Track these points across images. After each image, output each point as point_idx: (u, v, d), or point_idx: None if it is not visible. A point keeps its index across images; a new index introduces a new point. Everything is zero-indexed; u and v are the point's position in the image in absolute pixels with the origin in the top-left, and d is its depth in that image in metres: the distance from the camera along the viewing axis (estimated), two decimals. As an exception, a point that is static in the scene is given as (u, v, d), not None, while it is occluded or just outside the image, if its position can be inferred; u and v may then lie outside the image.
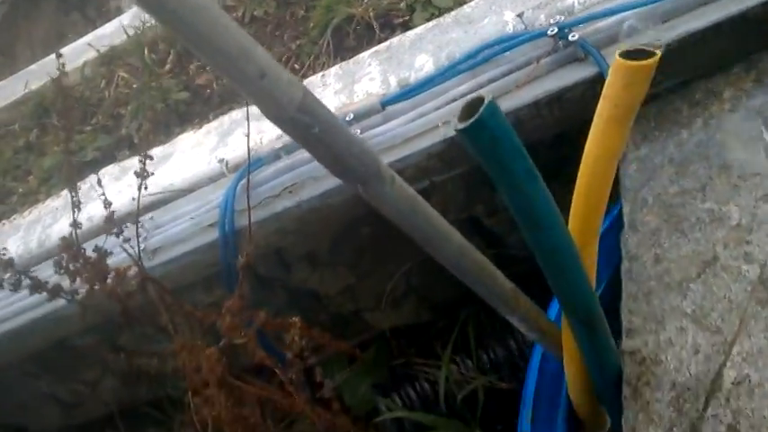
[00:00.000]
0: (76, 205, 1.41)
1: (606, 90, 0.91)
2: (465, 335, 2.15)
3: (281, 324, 1.39)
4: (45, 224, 2.29)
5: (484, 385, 2.04)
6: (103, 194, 1.43)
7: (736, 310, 1.12)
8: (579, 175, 1.00)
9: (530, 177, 0.89)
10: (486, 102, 0.83)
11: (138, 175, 1.40)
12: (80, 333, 2.19)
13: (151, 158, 1.43)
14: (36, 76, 3.02)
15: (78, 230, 1.81)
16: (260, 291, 2.07)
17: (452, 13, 1.79)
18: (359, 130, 1.64)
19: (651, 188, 1.32)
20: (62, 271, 1.31)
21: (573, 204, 1.03)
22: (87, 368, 2.48)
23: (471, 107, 0.85)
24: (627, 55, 0.88)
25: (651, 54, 0.86)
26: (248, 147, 1.47)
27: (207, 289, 2.03)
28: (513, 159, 0.87)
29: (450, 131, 1.52)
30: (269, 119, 0.82)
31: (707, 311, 1.14)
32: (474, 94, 0.85)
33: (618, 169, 1.40)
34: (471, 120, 0.83)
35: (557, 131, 1.55)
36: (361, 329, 2.37)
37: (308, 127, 0.82)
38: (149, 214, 1.91)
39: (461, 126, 0.84)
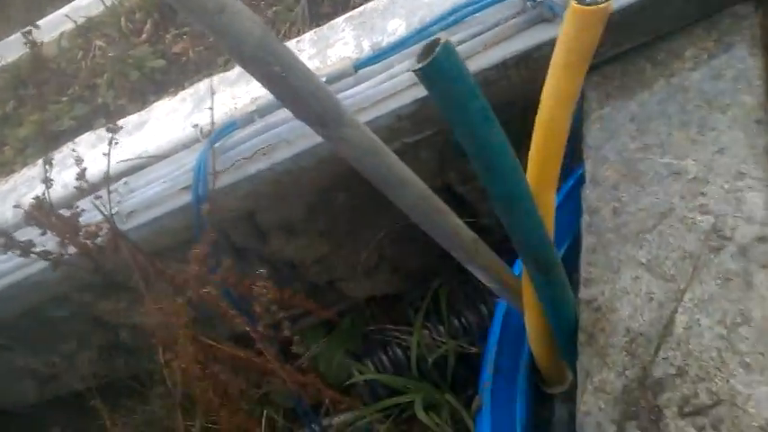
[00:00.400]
0: (48, 162, 1.42)
1: (560, 36, 0.94)
2: (437, 302, 2.18)
3: (246, 278, 1.41)
4: (20, 193, 2.29)
5: (455, 350, 2.07)
6: (74, 150, 1.43)
7: (689, 259, 1.15)
8: (536, 122, 1.02)
9: (485, 119, 0.91)
10: (442, 42, 0.85)
11: (108, 130, 1.41)
12: (55, 302, 2.19)
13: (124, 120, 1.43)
14: (12, 48, 3.00)
15: (54, 196, 1.82)
16: (236, 262, 2.08)
17: (426, -22, 1.80)
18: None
19: (613, 145, 1.35)
20: (33, 222, 1.31)
21: (530, 152, 1.06)
22: (64, 341, 2.48)
23: (429, 49, 0.87)
24: (581, 1, 0.90)
25: (603, 0, 0.89)
26: (212, 106, 1.47)
27: (183, 256, 2.05)
28: (469, 99, 0.89)
29: (419, 93, 1.54)
30: (230, 56, 0.83)
31: (661, 261, 1.17)
32: (432, 38, 0.87)
33: (582, 129, 1.43)
34: (428, 60, 0.86)
35: (525, 94, 1.57)
36: (337, 299, 2.39)
37: (268, 64, 0.84)
38: (124, 179, 1.92)
39: (418, 66, 0.87)
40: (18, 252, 1.40)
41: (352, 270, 2.26)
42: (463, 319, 2.12)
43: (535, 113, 1.09)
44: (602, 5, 0.89)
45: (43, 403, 2.70)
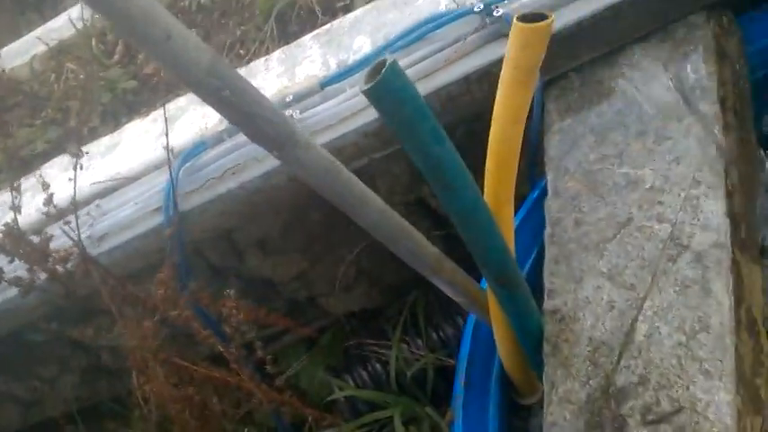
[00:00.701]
0: (16, 188, 1.42)
1: (507, 53, 0.96)
2: (414, 316, 2.19)
3: (220, 297, 1.42)
4: (-7, 218, 2.29)
5: (433, 363, 2.08)
6: (41, 176, 1.44)
7: (648, 267, 1.17)
8: (489, 139, 1.04)
9: (436, 138, 0.93)
10: (388, 63, 0.87)
11: (72, 154, 1.41)
12: (33, 327, 2.18)
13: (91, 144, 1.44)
14: (-16, 71, 3.00)
15: (27, 221, 1.82)
16: (213, 281, 2.08)
17: (390, -5, 1.83)
18: (298, 111, 1.67)
19: (573, 156, 1.37)
20: (2, 250, 1.32)
21: (486, 169, 1.07)
22: (44, 365, 2.47)
23: (376, 69, 0.89)
24: (524, 18, 0.92)
25: (546, 17, 0.91)
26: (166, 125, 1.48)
27: (154, 274, 2.05)
28: (419, 120, 0.91)
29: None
30: (181, 81, 0.84)
31: (621, 269, 1.19)
32: (379, 58, 0.89)
33: (543, 140, 1.45)
34: (375, 80, 0.87)
35: (489, 105, 1.59)
36: (317, 315, 2.40)
37: (218, 89, 0.85)
38: (96, 202, 1.92)
39: (366, 86, 0.88)
40: (-13, 280, 1.40)
41: (330, 285, 2.26)
42: (441, 332, 2.13)
43: None
44: (544, 23, 0.91)
45: (27, 429, 2.68)
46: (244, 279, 2.19)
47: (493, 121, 1.03)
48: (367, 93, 0.88)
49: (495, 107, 1.01)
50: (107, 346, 2.41)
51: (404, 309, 2.23)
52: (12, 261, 1.33)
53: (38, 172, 2.25)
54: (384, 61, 0.88)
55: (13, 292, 1.93)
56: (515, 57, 0.94)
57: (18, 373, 2.49)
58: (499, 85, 0.99)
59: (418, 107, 0.90)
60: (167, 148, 1.67)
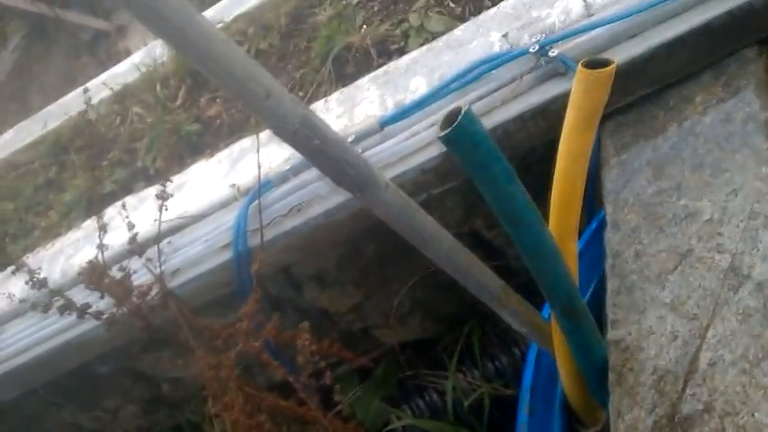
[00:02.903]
0: (102, 228, 1.53)
1: (571, 97, 1.02)
2: (470, 346, 2.23)
3: (291, 334, 1.49)
4: (67, 255, 2.41)
5: (489, 392, 2.11)
6: (127, 217, 1.54)
7: (710, 297, 1.21)
8: (554, 177, 1.10)
9: (507, 177, 0.99)
10: (463, 110, 0.94)
11: (158, 197, 1.52)
12: (102, 359, 2.28)
13: (171, 181, 1.54)
14: (53, 116, 3.17)
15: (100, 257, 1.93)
16: (272, 311, 2.17)
17: (444, 37, 1.91)
18: (360, 150, 1.76)
19: (631, 189, 1.42)
20: (92, 287, 1.41)
21: (551, 204, 1.13)
22: (108, 396, 2.57)
23: (451, 116, 0.96)
24: (588, 65, 0.98)
25: (609, 63, 0.97)
26: (259, 168, 1.58)
27: (221, 311, 2.13)
28: (491, 161, 0.97)
29: (442, 147, 1.62)
30: (275, 133, 0.93)
31: (683, 300, 1.23)
32: (453, 105, 0.96)
33: (601, 175, 1.51)
34: (451, 127, 0.94)
35: (545, 140, 1.65)
36: (371, 346, 2.45)
37: (309, 139, 0.93)
38: (167, 239, 2.02)
39: (443, 134, 0.95)
40: (75, 314, 1.50)
41: (385, 317, 2.32)
42: (497, 362, 2.17)
43: (553, 155, 1.16)
44: (607, 69, 0.97)
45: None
46: (301, 310, 2.26)
47: (557, 161, 1.09)
48: (444, 139, 0.95)
49: (560, 146, 1.08)
50: (169, 377, 2.50)
51: (459, 339, 2.27)
52: (102, 297, 1.43)
53: (109, 210, 2.38)
54: (459, 109, 0.95)
55: (88, 325, 2.04)
56: (578, 100, 1.00)
57: (84, 403, 2.60)
58: (564, 127, 1.06)
59: (490, 150, 0.97)
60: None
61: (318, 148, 0.93)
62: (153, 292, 1.49)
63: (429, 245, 1.12)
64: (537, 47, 1.54)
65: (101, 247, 1.54)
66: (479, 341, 2.18)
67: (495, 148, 0.97)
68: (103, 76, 3.11)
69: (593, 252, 1.49)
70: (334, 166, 0.96)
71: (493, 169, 0.97)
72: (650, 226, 1.34)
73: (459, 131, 0.94)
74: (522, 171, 1.65)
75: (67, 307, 1.46)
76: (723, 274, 1.21)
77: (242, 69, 0.84)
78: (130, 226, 1.55)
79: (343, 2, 2.26)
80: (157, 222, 1.57)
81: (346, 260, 2.10)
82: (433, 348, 2.41)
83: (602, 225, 1.49)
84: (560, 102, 1.54)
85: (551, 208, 1.13)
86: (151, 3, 0.77)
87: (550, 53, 1.52)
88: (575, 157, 1.05)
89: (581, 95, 0.99)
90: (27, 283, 1.61)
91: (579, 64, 0.98)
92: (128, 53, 4.83)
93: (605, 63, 0.97)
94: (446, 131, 0.94)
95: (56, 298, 1.46)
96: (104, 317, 1.55)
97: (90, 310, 1.52)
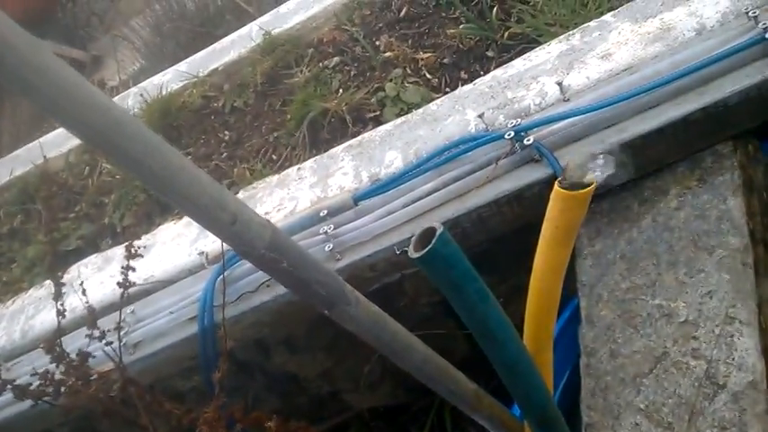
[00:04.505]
0: (61, 313, 1.47)
1: (548, 213, 1.00)
2: (441, 416, 2.19)
3: (258, 419, 1.44)
4: (28, 314, 2.33)
5: (462, 467, 2.07)
6: (85, 295, 1.49)
7: (684, 406, 1.19)
8: (529, 289, 1.08)
9: (481, 297, 0.96)
10: (437, 233, 0.92)
11: (120, 285, 1.47)
12: (62, 424, 2.20)
13: (133, 270, 1.50)
14: (21, 161, 3.10)
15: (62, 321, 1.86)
16: (238, 375, 2.11)
17: (419, 110, 1.90)
18: (332, 226, 1.72)
19: (605, 283, 1.40)
20: (47, 382, 1.36)
21: (526, 315, 1.11)
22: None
23: (425, 236, 0.93)
24: (566, 185, 0.97)
25: (587, 185, 0.95)
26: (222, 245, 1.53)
27: (186, 377, 2.07)
28: (465, 282, 0.95)
29: (416, 228, 1.60)
30: (242, 256, 0.89)
31: (659, 407, 1.21)
32: (427, 225, 0.94)
33: (575, 264, 1.49)
34: (425, 249, 0.92)
35: (521, 224, 1.64)
36: (340, 410, 2.40)
37: (277, 262, 0.89)
38: (131, 307, 1.96)
39: (417, 255, 0.92)
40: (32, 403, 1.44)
41: (355, 382, 2.28)
42: (468, 433, 2.13)
43: (528, 238, 1.13)
44: (585, 191, 0.95)
45: None
46: (268, 374, 2.21)
47: (533, 272, 1.07)
48: (419, 260, 0.92)
49: (535, 259, 1.06)
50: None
51: (430, 408, 2.23)
52: (58, 391, 1.37)
53: (72, 269, 2.31)
54: (433, 230, 0.93)
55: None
56: (555, 218, 0.98)
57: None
58: (540, 241, 1.04)
59: (465, 270, 0.95)
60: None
61: (286, 271, 0.89)
62: (113, 379, 1.43)
63: (400, 356, 1.08)
64: (512, 133, 1.53)
65: (58, 329, 1.47)
66: (450, 415, 2.14)
67: (471, 268, 0.95)
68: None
69: (567, 340, 1.47)
70: (303, 287, 0.93)
71: (467, 290, 0.95)
72: (625, 324, 1.32)
73: (433, 254, 0.91)
74: (489, 255, 1.62)
75: (23, 394, 1.39)
76: (698, 381, 1.20)
77: (208, 198, 0.81)
78: (90, 310, 1.49)
79: (320, 65, 2.25)
80: (120, 312, 1.52)
81: (317, 327, 2.06)
82: (403, 415, 2.37)
83: (573, 313, 1.47)
84: (535, 188, 1.53)
85: (526, 320, 1.10)
86: (109, 133, 0.73)
87: (525, 140, 1.50)
88: (550, 271, 1.03)
89: (557, 214, 0.97)
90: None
91: (557, 183, 0.97)
92: (103, 84, 4.78)
93: (583, 185, 0.95)
94: (421, 253, 0.91)
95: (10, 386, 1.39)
96: (60, 401, 1.48)
97: (46, 396, 1.45)
